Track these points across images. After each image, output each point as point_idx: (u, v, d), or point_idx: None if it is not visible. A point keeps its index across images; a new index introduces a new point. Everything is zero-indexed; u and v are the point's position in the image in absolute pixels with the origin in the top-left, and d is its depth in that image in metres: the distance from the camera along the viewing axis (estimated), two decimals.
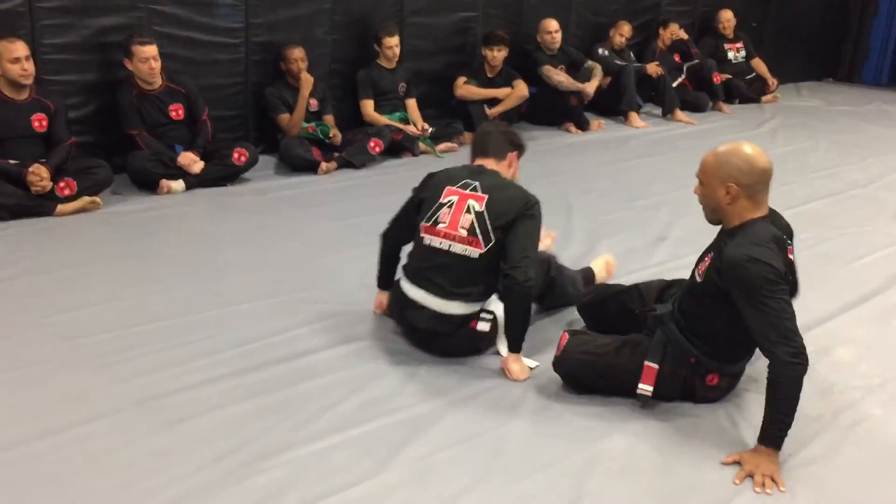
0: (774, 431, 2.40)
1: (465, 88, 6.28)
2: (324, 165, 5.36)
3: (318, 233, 4.33)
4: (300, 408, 2.68)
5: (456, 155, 5.92)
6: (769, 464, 2.40)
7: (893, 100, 8.71)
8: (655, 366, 2.67)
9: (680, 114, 7.29)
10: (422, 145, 5.92)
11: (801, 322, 2.45)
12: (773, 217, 2.63)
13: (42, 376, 2.82)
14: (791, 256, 2.59)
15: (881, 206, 5.09)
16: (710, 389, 2.74)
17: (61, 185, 4.43)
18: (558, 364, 2.79)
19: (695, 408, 2.73)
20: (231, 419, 2.60)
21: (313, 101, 5.59)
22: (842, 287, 3.80)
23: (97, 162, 4.68)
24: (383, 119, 5.88)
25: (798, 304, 2.52)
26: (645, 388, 2.67)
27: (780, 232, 2.55)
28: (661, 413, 2.70)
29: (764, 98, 8.28)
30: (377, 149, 5.58)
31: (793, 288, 2.59)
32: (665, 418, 2.68)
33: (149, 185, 4.84)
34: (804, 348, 2.38)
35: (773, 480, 2.37)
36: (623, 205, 4.95)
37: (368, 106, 5.91)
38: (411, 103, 6.11)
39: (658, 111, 7.40)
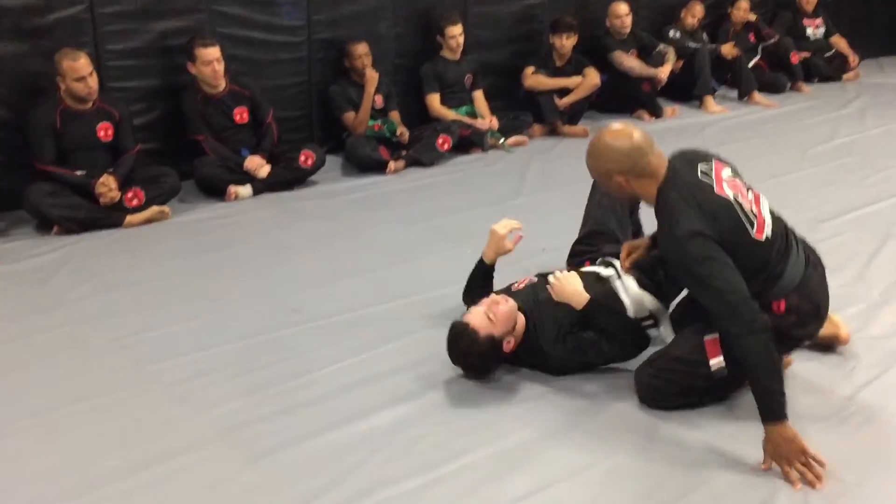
0: (768, 405, 2.30)
1: (534, 79, 6.04)
2: (392, 165, 5.18)
3: (393, 238, 4.15)
4: (390, 439, 2.50)
5: (525, 149, 5.71)
6: (786, 441, 2.28)
7: None
8: (716, 335, 2.48)
9: (758, 96, 6.94)
10: (490, 140, 5.70)
11: None
12: (680, 159, 2.48)
13: (123, 405, 2.71)
14: (724, 171, 2.45)
15: None
16: (787, 318, 2.49)
17: (129, 195, 4.33)
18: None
19: None
20: (319, 451, 2.45)
21: (378, 98, 5.41)
22: None
23: (164, 170, 4.58)
24: (450, 113, 5.67)
25: None
26: (716, 362, 2.49)
27: (691, 178, 2.38)
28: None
29: (845, 76, 7.85)
30: (446, 145, 5.38)
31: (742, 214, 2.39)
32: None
33: (216, 191, 4.73)
34: (757, 313, 2.29)
35: (806, 460, 2.26)
36: None
37: (434, 100, 5.71)
38: (478, 95, 5.89)
39: (734, 94, 7.05)
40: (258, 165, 4.77)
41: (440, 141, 5.36)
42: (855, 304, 3.24)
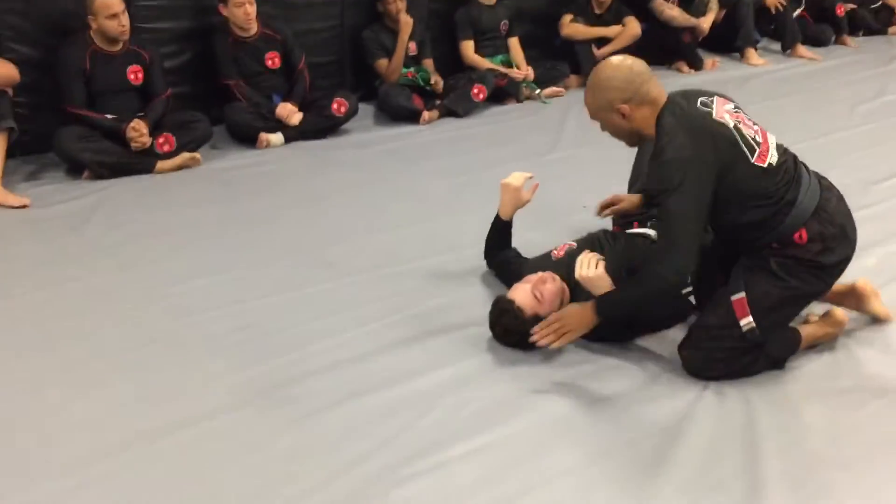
0: (612, 308, 2.47)
1: (572, 27, 5.85)
2: (426, 115, 5.06)
3: (428, 190, 4.06)
4: (435, 401, 2.44)
5: (561, 101, 5.55)
6: (575, 317, 2.48)
7: None
8: (741, 294, 2.45)
9: (802, 49, 6.71)
10: (526, 90, 5.55)
11: None
12: (680, 93, 2.46)
13: (159, 360, 2.66)
14: (726, 105, 2.43)
15: None
16: (812, 247, 2.41)
17: (160, 140, 4.24)
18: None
19: None
20: (362, 413, 2.39)
21: (412, 45, 5.26)
22: None
23: (195, 115, 4.47)
24: (485, 62, 5.50)
25: None
26: (746, 322, 2.44)
27: (689, 107, 2.37)
28: None
29: (891, 29, 7.59)
30: (481, 95, 5.24)
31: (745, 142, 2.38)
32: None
33: (248, 138, 4.63)
34: (686, 270, 2.38)
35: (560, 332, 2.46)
36: None
37: (469, 48, 5.54)
38: (514, 42, 5.70)
39: (777, 46, 6.82)
40: (290, 112, 4.66)
41: (475, 91, 5.22)
42: None
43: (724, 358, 2.50)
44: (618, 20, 5.95)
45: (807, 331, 2.64)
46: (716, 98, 2.45)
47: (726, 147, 2.34)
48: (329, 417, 2.37)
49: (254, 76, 4.72)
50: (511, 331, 2.64)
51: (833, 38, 7.11)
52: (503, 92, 5.44)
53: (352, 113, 4.85)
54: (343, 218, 3.74)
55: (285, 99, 4.73)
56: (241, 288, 3.10)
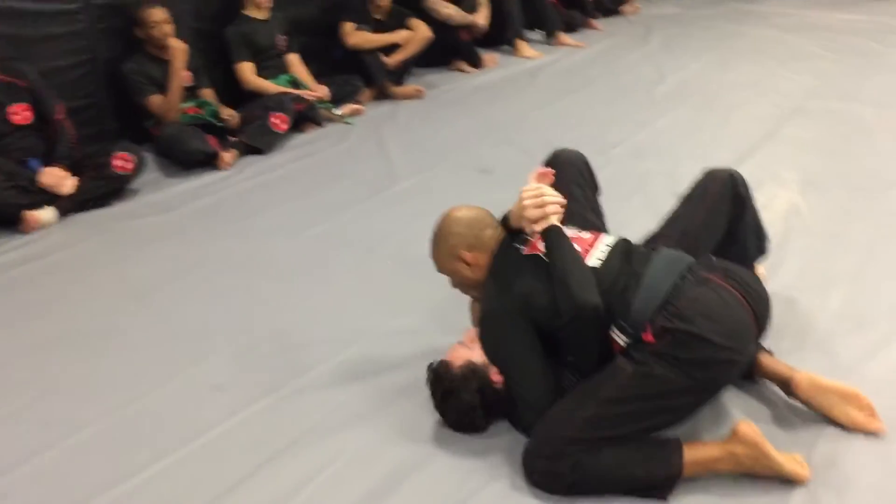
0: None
1: (359, 36, 5.25)
2: (225, 156, 4.22)
3: (275, 256, 3.30)
4: None
5: (365, 118, 4.96)
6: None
7: None
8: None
9: (564, 37, 6.66)
10: (324, 112, 4.88)
11: None
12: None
13: None
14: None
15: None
16: (662, 343, 1.96)
17: None
18: None
19: None
20: None
21: (186, 74, 4.37)
22: None
23: None
24: (270, 85, 4.75)
25: None
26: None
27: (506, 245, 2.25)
28: None
29: (623, 8, 7.86)
30: (283, 126, 4.49)
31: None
32: None
33: (7, 220, 3.52)
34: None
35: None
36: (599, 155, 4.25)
37: (247, 70, 4.74)
38: (294, 59, 4.99)
39: (538, 36, 6.72)
40: (59, 179, 3.62)
41: (275, 121, 4.46)
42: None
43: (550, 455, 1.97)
44: (400, 24, 5.46)
45: (699, 450, 2.01)
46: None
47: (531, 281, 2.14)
48: None
49: None
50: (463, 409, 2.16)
51: (581, 22, 7.19)
52: (301, 117, 4.73)
53: (139, 168, 3.89)
54: (191, 314, 2.88)
55: (47, 163, 3.67)
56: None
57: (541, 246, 2.17)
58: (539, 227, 2.15)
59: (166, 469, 2.16)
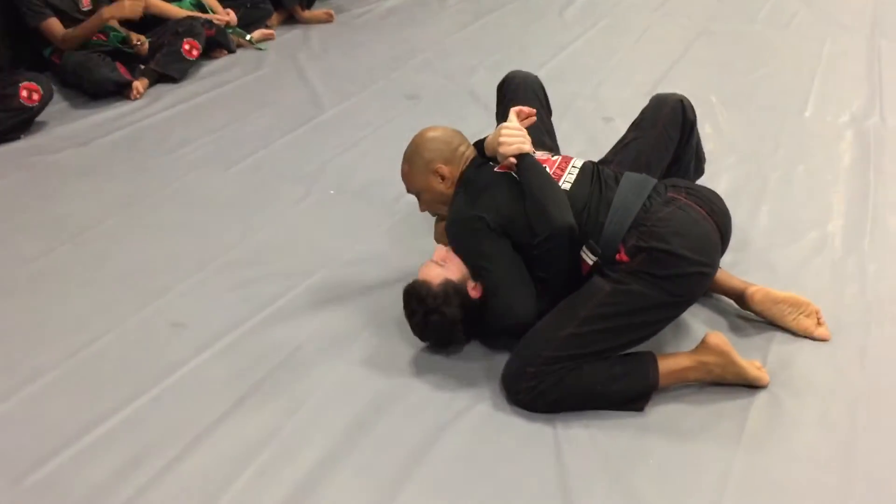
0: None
1: None
2: (137, 85, 4.01)
3: (209, 189, 3.19)
4: None
5: (277, 44, 4.80)
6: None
7: None
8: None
9: None
10: (235, 38, 4.68)
11: None
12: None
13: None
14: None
15: None
16: (636, 261, 2.05)
17: None
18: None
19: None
20: None
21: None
22: None
23: None
24: (174, 9, 4.51)
25: None
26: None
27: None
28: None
29: None
30: (195, 52, 4.27)
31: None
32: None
33: None
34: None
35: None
36: None
37: None
38: None
39: None
40: None
41: (187, 47, 4.24)
42: None
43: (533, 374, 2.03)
44: None
45: (671, 362, 2.11)
46: None
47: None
48: None
49: None
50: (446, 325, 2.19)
51: None
52: (211, 43, 4.52)
53: (47, 99, 3.64)
54: (133, 252, 2.77)
55: None
56: None
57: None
58: (512, 156, 2.19)
59: (138, 411, 2.10)
